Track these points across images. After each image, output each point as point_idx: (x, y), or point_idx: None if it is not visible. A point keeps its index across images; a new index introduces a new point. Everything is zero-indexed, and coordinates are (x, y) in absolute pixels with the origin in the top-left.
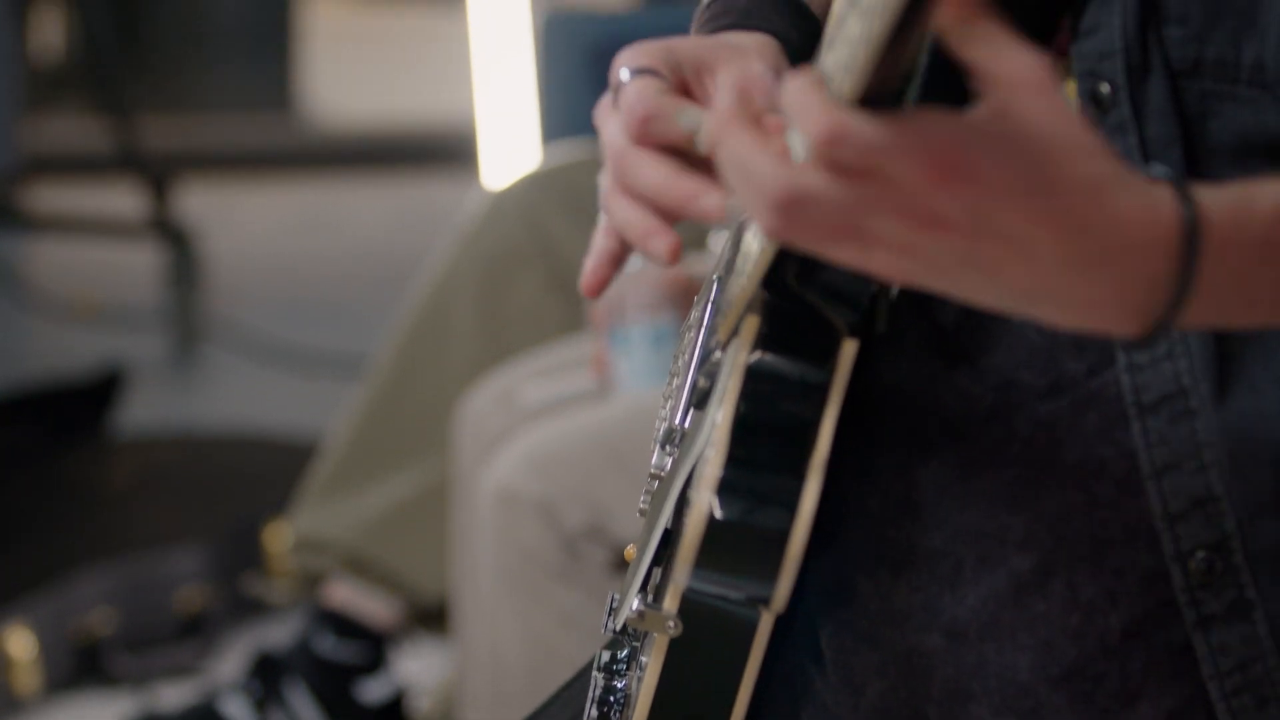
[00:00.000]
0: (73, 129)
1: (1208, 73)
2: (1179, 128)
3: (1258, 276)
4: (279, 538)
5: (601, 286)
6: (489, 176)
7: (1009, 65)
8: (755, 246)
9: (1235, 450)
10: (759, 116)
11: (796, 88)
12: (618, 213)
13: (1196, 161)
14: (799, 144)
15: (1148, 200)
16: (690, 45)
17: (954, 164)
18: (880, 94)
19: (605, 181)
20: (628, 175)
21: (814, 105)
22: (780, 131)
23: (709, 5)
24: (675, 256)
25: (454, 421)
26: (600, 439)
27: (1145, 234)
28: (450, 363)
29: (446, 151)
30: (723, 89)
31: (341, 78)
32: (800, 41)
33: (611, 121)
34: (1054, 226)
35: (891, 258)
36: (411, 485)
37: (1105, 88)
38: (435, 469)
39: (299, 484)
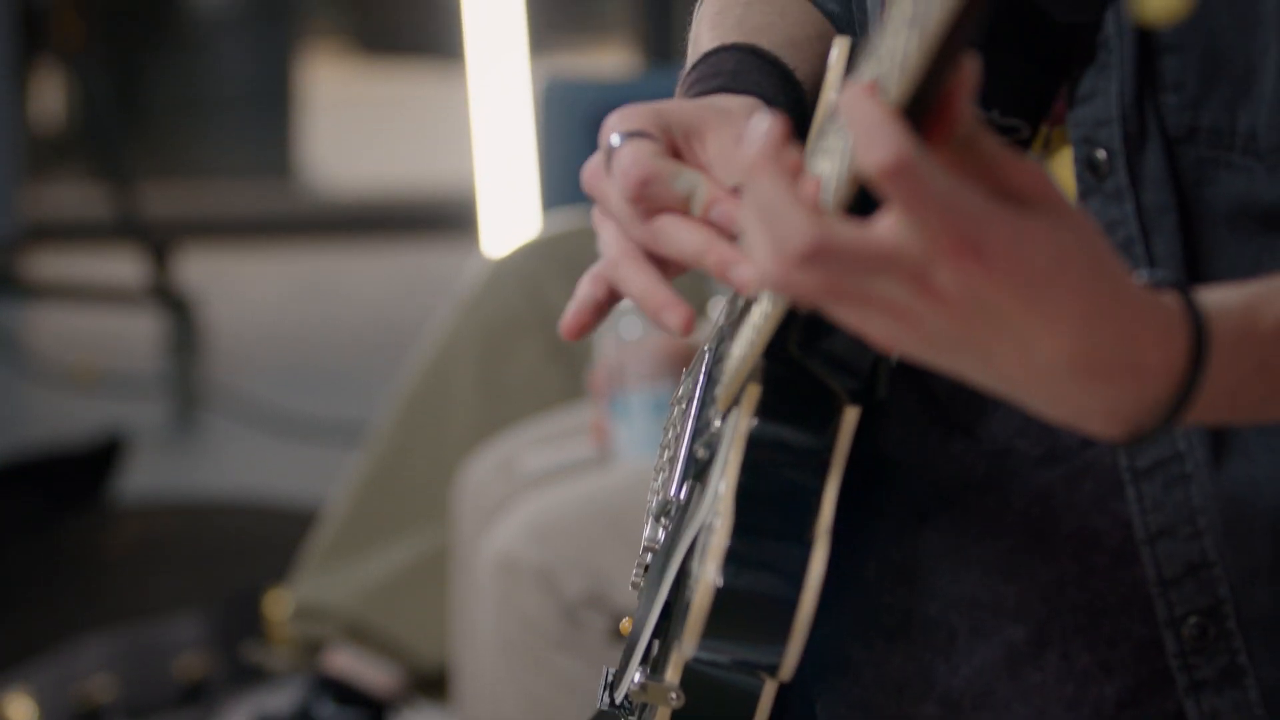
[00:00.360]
0: (73, 196)
1: (1203, 140)
2: (1175, 195)
3: (1248, 391)
4: (279, 605)
5: (581, 331)
6: (489, 244)
7: (1024, 175)
8: (758, 316)
9: (1229, 516)
10: (790, 163)
11: (859, 100)
12: (632, 280)
13: (1192, 228)
14: (830, 169)
15: (1160, 321)
16: (679, 109)
17: (966, 239)
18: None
19: (610, 247)
20: (658, 241)
21: (880, 128)
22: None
23: (694, 68)
24: (690, 328)
25: (454, 489)
26: (600, 507)
27: (1153, 357)
28: (450, 430)
29: (446, 218)
30: (754, 131)
31: (341, 144)
32: (786, 106)
33: (607, 186)
34: (1060, 332)
35: (888, 323)
36: (412, 552)
37: (1101, 154)
38: (435, 536)
39: (299, 551)
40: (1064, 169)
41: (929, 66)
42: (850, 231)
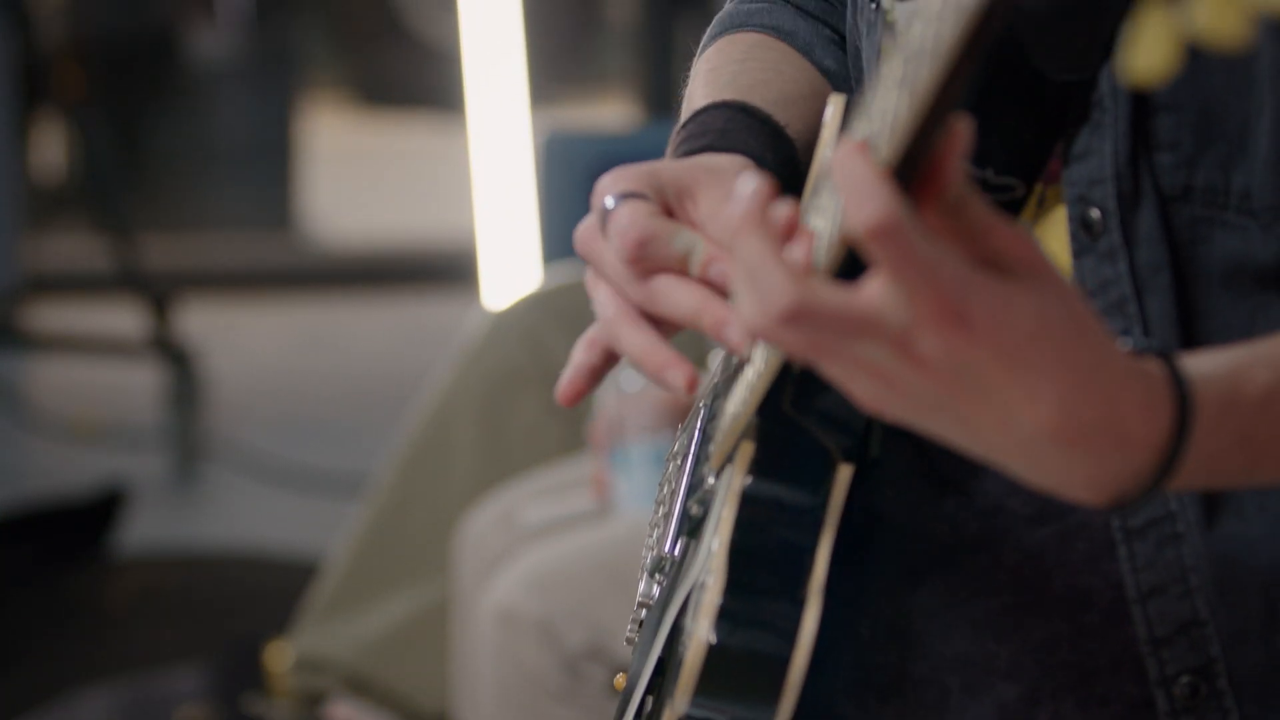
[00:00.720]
0: (74, 248)
1: (1198, 199)
2: (1169, 254)
3: (1229, 460)
4: (280, 657)
5: (576, 398)
6: (490, 296)
7: (1011, 242)
8: (752, 374)
9: (1221, 575)
10: (774, 222)
11: (850, 159)
12: (631, 342)
13: (1186, 287)
14: (821, 226)
15: (1144, 392)
16: (670, 169)
17: (950, 306)
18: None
19: (606, 309)
20: (653, 302)
21: (869, 188)
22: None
23: (684, 126)
24: (693, 387)
25: (455, 541)
26: (600, 559)
27: (1136, 428)
28: (451, 482)
29: (447, 271)
30: (741, 191)
31: (342, 196)
32: (775, 164)
33: (604, 248)
34: (1043, 402)
35: (873, 384)
36: (412, 605)
37: (1096, 213)
38: (436, 589)
39: (300, 603)
40: (1058, 228)
41: (918, 128)
42: (833, 294)
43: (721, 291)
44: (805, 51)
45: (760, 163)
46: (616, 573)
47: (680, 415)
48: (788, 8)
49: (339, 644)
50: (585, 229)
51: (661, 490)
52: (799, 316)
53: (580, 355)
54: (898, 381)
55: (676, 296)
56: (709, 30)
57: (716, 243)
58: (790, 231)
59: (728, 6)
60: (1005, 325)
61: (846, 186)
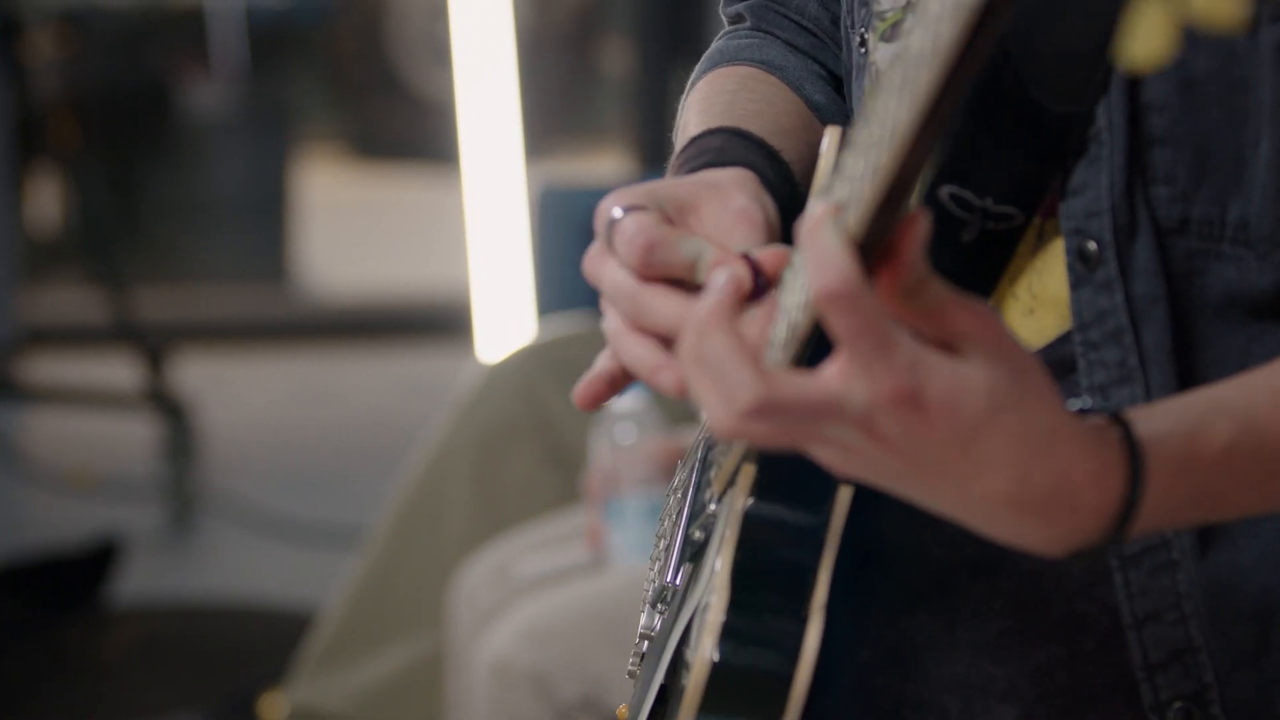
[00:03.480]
0: (69, 300)
1: (1194, 231)
2: (1165, 286)
3: (1186, 514)
4: (275, 708)
5: (595, 402)
6: (484, 349)
7: (967, 319)
8: None
9: (1214, 602)
10: (743, 315)
11: (818, 226)
12: (627, 350)
13: (1183, 319)
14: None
15: (1096, 461)
16: (671, 186)
17: (904, 388)
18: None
19: (612, 321)
20: (642, 312)
21: (833, 256)
22: (760, 325)
23: (683, 150)
24: (683, 390)
25: (449, 593)
26: (595, 611)
27: (1088, 496)
28: (446, 535)
29: (442, 324)
30: (712, 286)
31: (337, 249)
32: (775, 180)
33: (610, 263)
34: (995, 476)
35: (838, 455)
36: (407, 656)
37: (1092, 246)
38: (431, 641)
39: (295, 655)
40: (1058, 261)
41: (881, 206)
42: (795, 384)
43: None
44: (795, 86)
45: (762, 177)
46: (611, 625)
47: (674, 468)
48: (777, 43)
49: (334, 695)
50: (592, 253)
51: (662, 524)
52: (763, 410)
53: (602, 361)
54: (863, 455)
55: (660, 307)
56: (699, 65)
57: (723, 249)
58: (762, 321)
59: (717, 42)
60: (958, 407)
61: (811, 253)
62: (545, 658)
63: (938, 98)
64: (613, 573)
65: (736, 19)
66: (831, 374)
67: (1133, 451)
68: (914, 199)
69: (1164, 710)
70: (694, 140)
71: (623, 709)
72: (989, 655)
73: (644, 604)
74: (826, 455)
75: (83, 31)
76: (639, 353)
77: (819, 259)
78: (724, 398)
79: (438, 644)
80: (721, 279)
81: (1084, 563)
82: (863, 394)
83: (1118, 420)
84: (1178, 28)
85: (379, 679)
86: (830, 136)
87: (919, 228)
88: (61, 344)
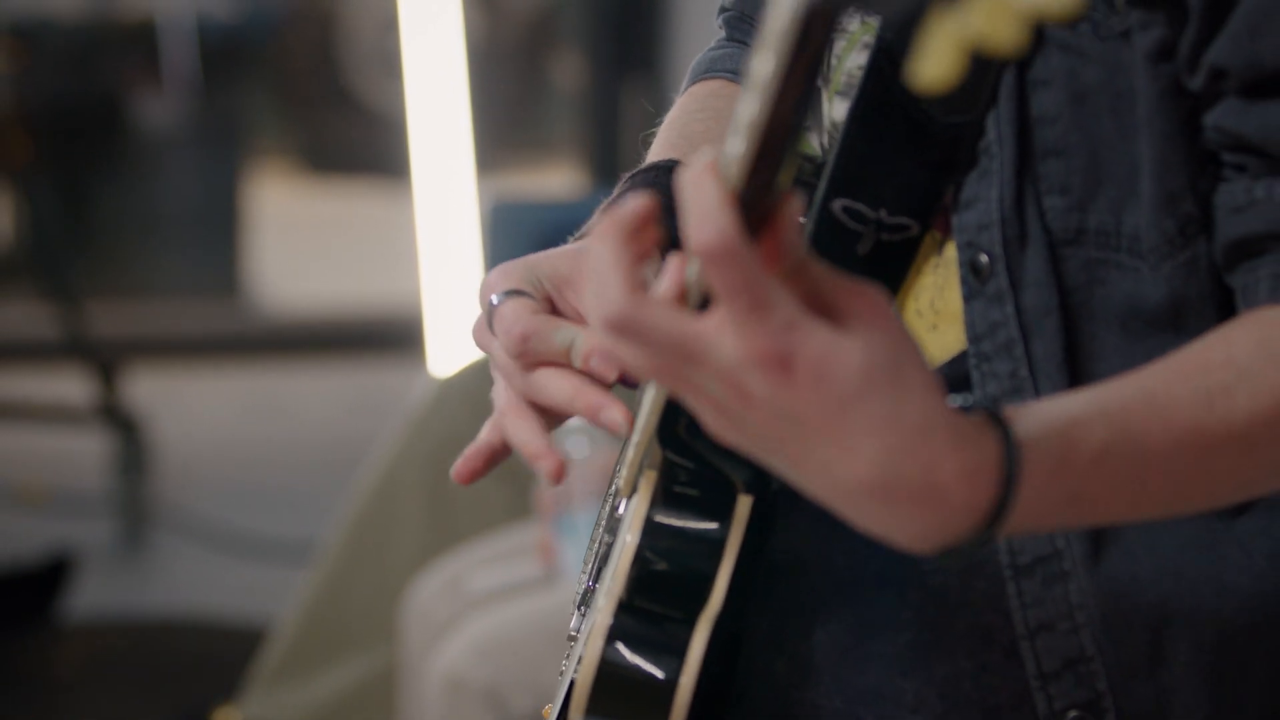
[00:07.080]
0: (20, 315)
1: (1091, 241)
2: (1058, 297)
3: (1058, 516)
4: None
5: (473, 477)
6: (436, 363)
7: (854, 299)
8: (648, 400)
9: (1109, 612)
10: (637, 239)
11: (698, 179)
12: (514, 431)
13: (1080, 329)
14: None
15: (967, 456)
16: (550, 260)
17: (775, 349)
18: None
19: (499, 398)
20: (530, 388)
21: (712, 211)
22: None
23: (630, 177)
24: (560, 477)
25: (402, 608)
26: (547, 625)
27: (957, 493)
28: (398, 549)
29: (393, 338)
30: (613, 212)
31: (288, 263)
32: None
33: (494, 343)
34: (858, 459)
35: (710, 412)
36: (360, 671)
37: (984, 258)
38: (383, 655)
39: (248, 670)
40: (957, 275)
41: (757, 159)
42: (663, 313)
43: (601, 380)
44: None
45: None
46: (562, 639)
47: None
48: (748, 51)
49: (287, 711)
50: (477, 325)
51: (597, 529)
52: (625, 327)
53: (483, 435)
54: (734, 416)
55: (553, 386)
56: (686, 78)
57: (596, 334)
58: (648, 246)
59: (703, 54)
60: (827, 377)
61: (691, 207)
62: (497, 671)
63: (797, 41)
64: (564, 587)
65: (723, 27)
66: (709, 319)
67: (1008, 451)
68: (788, 174)
69: (1059, 719)
70: (641, 171)
71: (547, 709)
72: (899, 667)
73: (573, 605)
74: (701, 410)
75: (32, 45)
76: (524, 436)
77: (698, 213)
78: (598, 305)
79: (390, 658)
80: (635, 201)
81: (956, 561)
82: (731, 348)
83: (995, 419)
84: (964, 51)
85: (332, 693)
86: None
87: (790, 208)
88: (12, 359)
